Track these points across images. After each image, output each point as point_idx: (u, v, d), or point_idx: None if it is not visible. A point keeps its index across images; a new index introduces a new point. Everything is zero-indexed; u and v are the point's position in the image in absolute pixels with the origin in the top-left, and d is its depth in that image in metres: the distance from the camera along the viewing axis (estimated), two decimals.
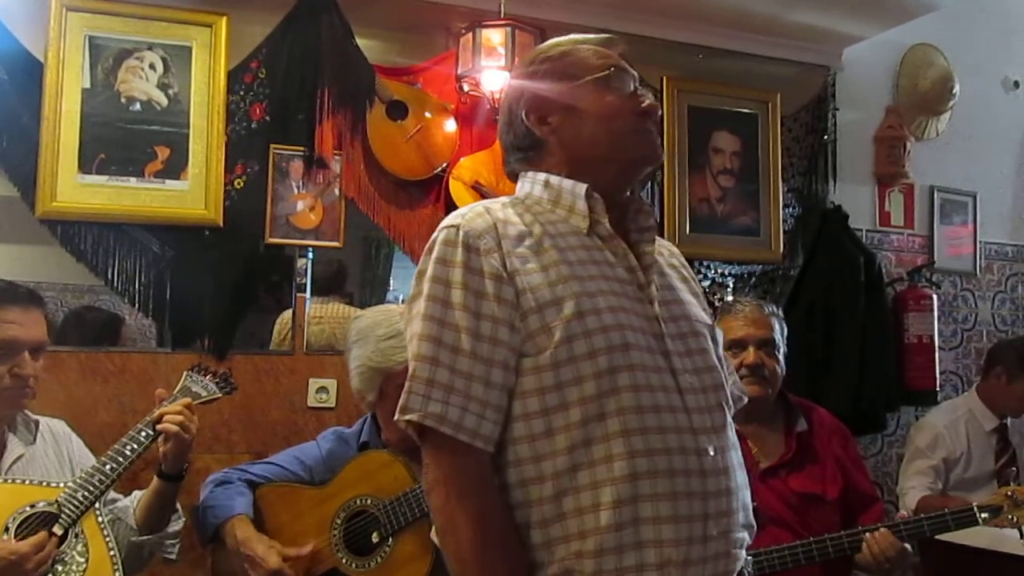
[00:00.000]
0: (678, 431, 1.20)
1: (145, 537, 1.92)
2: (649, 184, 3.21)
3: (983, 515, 2.12)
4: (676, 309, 1.32)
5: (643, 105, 1.34)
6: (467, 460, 1.18)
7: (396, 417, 1.20)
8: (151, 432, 1.88)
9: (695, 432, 1.21)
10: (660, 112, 1.36)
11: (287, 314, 2.84)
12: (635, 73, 1.38)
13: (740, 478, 1.27)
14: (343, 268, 3.04)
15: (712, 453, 1.22)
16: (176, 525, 1.99)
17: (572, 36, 1.41)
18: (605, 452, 1.16)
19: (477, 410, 1.17)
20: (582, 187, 1.30)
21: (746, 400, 1.49)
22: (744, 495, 1.28)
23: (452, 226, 1.25)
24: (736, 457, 1.28)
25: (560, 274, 1.22)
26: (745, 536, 1.27)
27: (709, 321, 1.37)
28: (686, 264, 1.48)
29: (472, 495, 1.18)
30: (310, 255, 2.83)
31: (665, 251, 1.45)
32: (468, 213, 1.27)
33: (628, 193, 1.38)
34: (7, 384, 1.83)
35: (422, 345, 1.19)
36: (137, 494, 1.98)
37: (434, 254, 1.24)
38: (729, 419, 1.30)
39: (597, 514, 1.15)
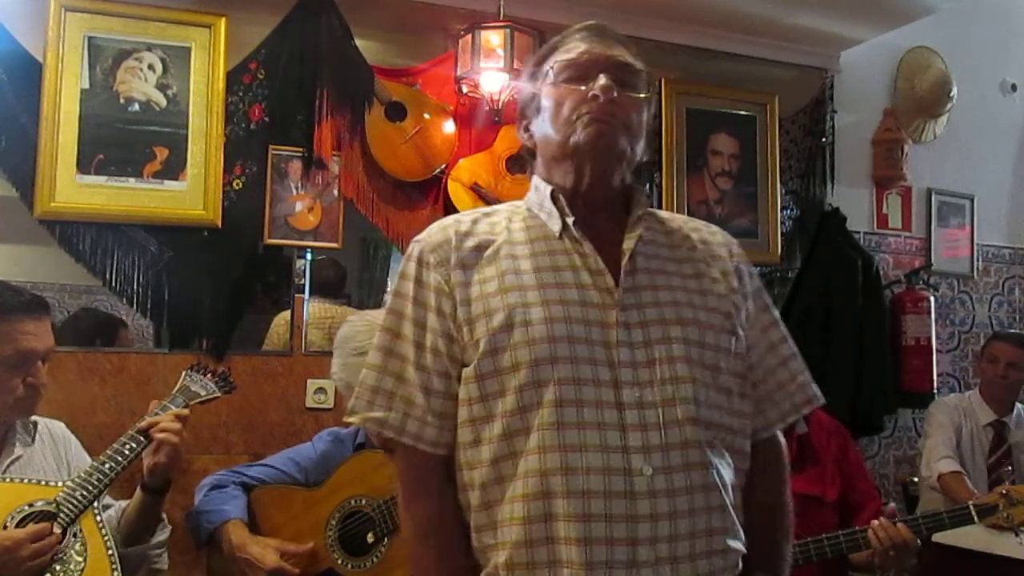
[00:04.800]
0: (604, 449, 1.14)
1: (130, 549, 1.90)
2: (648, 186, 3.22)
3: (978, 513, 2.12)
4: (652, 313, 1.22)
5: (590, 92, 1.25)
6: (413, 461, 1.24)
7: (344, 417, 1.27)
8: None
9: (627, 451, 1.14)
10: (614, 94, 1.24)
11: (285, 315, 2.85)
12: (611, 60, 1.28)
13: (701, 500, 1.17)
14: (344, 270, 3.06)
15: (647, 473, 1.14)
16: (161, 535, 1.96)
17: (567, 31, 1.35)
18: (523, 467, 1.16)
19: (419, 415, 1.22)
20: (548, 188, 1.29)
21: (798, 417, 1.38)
22: (713, 518, 1.17)
23: (416, 241, 1.30)
24: (702, 478, 1.17)
25: (502, 285, 1.22)
26: (718, 562, 1.18)
27: (715, 323, 1.25)
28: (718, 255, 1.33)
29: (415, 494, 1.25)
30: (308, 256, 2.83)
31: (699, 243, 1.34)
32: (436, 226, 1.30)
33: (621, 186, 1.30)
34: (21, 394, 1.84)
35: (374, 354, 1.27)
36: (122, 505, 1.96)
37: (400, 269, 1.29)
38: (704, 435, 1.19)
39: (511, 528, 1.16)
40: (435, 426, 1.22)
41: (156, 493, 1.89)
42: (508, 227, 1.29)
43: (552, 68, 1.30)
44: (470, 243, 1.26)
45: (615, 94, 1.24)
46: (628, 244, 1.25)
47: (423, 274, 1.25)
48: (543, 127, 1.30)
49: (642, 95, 1.30)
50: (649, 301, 1.23)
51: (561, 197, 1.27)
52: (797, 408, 1.36)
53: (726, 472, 1.22)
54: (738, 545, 1.22)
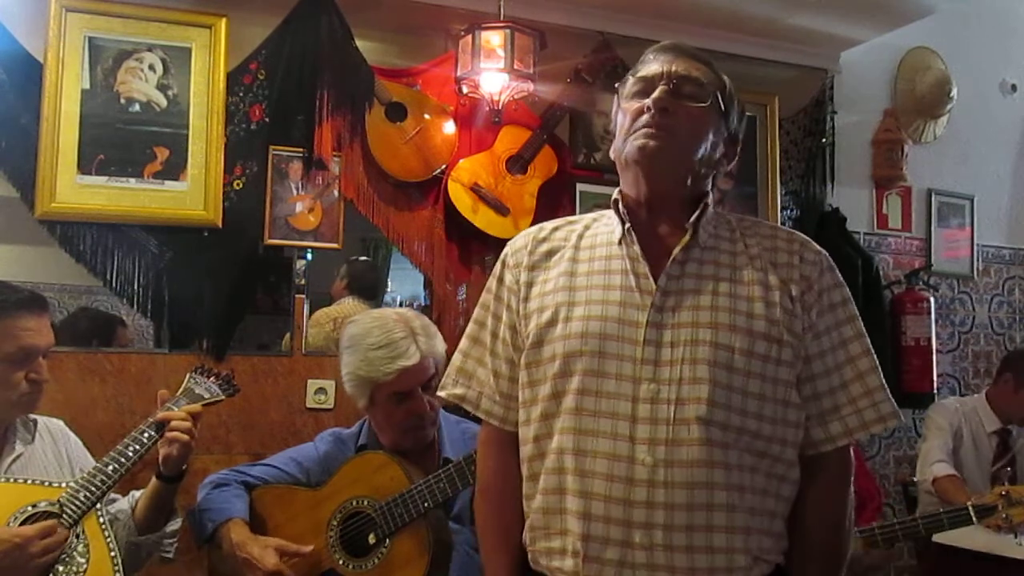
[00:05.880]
0: (613, 437, 1.26)
1: (144, 537, 1.93)
2: None
3: (977, 514, 2.12)
4: (686, 315, 1.28)
5: (645, 105, 1.32)
6: (486, 431, 1.47)
7: (438, 392, 1.52)
8: (153, 433, 1.88)
9: (633, 441, 1.24)
10: (663, 105, 1.31)
11: (322, 313, 2.88)
12: (672, 74, 1.34)
13: (703, 497, 1.21)
14: (381, 273, 3.11)
15: (648, 463, 1.23)
16: (174, 525, 1.99)
17: (646, 52, 1.42)
18: (550, 446, 1.32)
19: (489, 394, 1.43)
20: (615, 196, 1.40)
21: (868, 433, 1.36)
22: (715, 516, 1.22)
23: (508, 244, 1.48)
24: (706, 476, 1.22)
25: (557, 285, 1.37)
26: (720, 560, 1.22)
27: (755, 328, 1.27)
28: (783, 263, 1.34)
29: (483, 457, 1.48)
30: (308, 256, 2.83)
31: (765, 250, 1.35)
32: (522, 233, 1.48)
33: (685, 193, 1.35)
34: (24, 390, 1.85)
35: (464, 341, 1.49)
36: (135, 494, 1.98)
37: (493, 269, 1.49)
38: (717, 436, 1.23)
39: (537, 497, 1.34)
40: (502, 405, 1.42)
41: (170, 481, 1.91)
42: (582, 233, 1.43)
43: (624, 87, 1.41)
44: (543, 248, 1.43)
45: (667, 105, 1.31)
46: (676, 250, 1.32)
47: (504, 274, 1.45)
48: (616, 140, 1.41)
49: (702, 104, 1.35)
50: (688, 304, 1.30)
51: (621, 205, 1.38)
52: (866, 425, 1.34)
53: (746, 475, 1.25)
54: (750, 546, 1.24)
